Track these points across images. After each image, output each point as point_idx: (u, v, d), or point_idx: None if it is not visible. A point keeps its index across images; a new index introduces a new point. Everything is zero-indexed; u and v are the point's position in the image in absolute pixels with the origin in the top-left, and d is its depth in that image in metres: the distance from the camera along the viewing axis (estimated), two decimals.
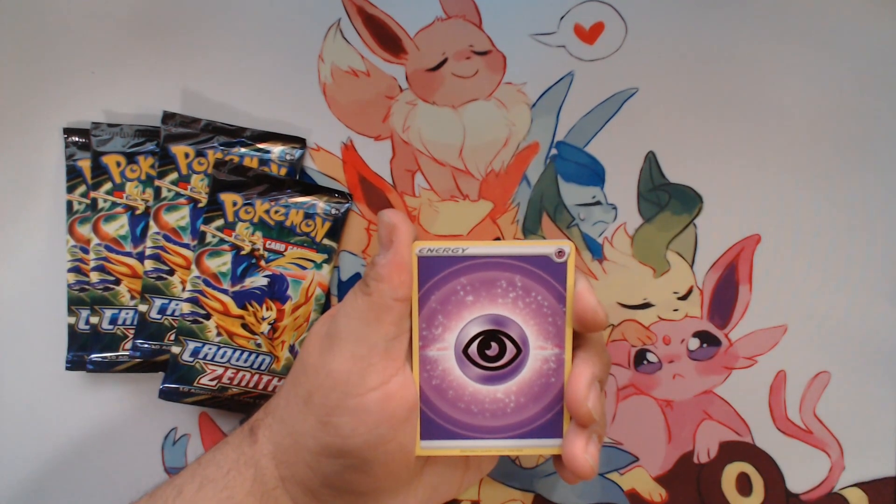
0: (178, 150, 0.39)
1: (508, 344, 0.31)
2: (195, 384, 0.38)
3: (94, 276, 0.39)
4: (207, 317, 0.38)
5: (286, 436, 0.31)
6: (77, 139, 0.40)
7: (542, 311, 0.31)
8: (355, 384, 0.29)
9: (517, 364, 0.31)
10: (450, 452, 0.32)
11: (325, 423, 0.29)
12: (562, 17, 0.39)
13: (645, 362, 0.40)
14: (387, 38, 0.39)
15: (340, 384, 0.29)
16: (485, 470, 0.35)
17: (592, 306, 0.30)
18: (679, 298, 0.39)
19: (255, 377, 0.39)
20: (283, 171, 0.40)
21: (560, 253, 0.30)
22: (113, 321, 0.39)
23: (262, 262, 0.39)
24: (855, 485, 0.39)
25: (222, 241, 0.39)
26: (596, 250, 0.40)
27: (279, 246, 0.39)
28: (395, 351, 0.30)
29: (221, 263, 0.39)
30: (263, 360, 0.39)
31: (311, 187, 0.40)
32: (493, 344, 0.31)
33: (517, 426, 0.31)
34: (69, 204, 0.40)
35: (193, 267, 0.38)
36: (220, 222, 0.39)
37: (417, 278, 0.31)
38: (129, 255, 0.39)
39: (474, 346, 0.31)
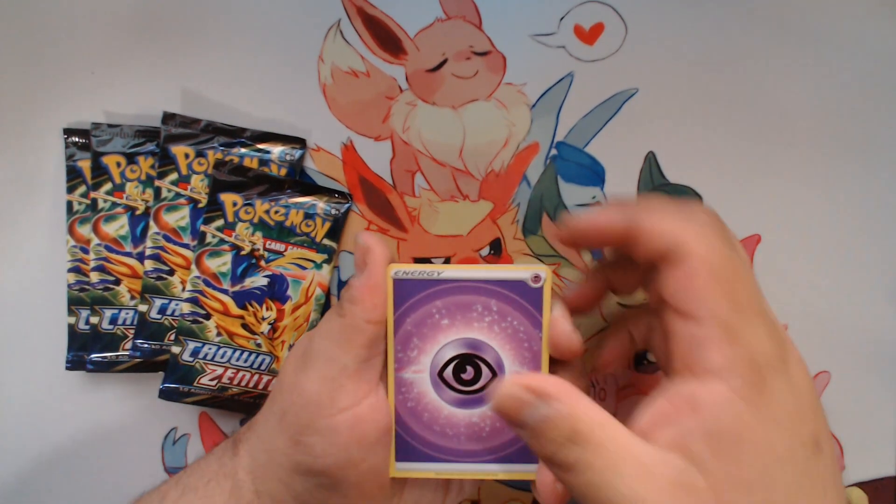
0: (178, 150, 0.39)
1: (484, 368, 0.31)
2: (195, 384, 0.38)
3: (94, 277, 0.39)
4: (207, 317, 0.38)
5: (262, 452, 0.31)
6: (77, 139, 0.40)
7: (518, 336, 0.31)
8: (326, 405, 0.29)
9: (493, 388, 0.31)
10: (425, 475, 0.32)
11: (297, 442, 0.29)
12: (562, 18, 0.39)
13: (645, 362, 0.40)
14: (387, 39, 0.39)
15: (311, 404, 0.29)
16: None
17: (567, 333, 0.30)
18: None
19: (255, 377, 0.39)
20: (283, 172, 0.40)
21: (536, 278, 0.30)
22: (113, 321, 0.39)
23: (262, 263, 0.39)
24: (855, 485, 0.39)
25: (222, 241, 0.39)
26: (596, 251, 0.40)
27: (279, 246, 0.39)
28: (368, 373, 0.30)
29: (221, 263, 0.39)
30: (263, 360, 0.39)
31: (311, 187, 0.40)
32: (469, 368, 0.31)
33: (493, 450, 0.31)
34: (69, 204, 0.40)
35: (193, 267, 0.38)
36: (220, 222, 0.39)
37: (393, 300, 0.30)
38: (129, 255, 0.39)
39: (449, 369, 0.31)
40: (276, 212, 0.39)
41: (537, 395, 0.25)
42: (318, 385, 0.29)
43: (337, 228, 0.40)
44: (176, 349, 0.38)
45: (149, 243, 0.39)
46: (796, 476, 0.23)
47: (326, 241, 0.40)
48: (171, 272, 0.39)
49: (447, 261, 0.40)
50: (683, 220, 0.26)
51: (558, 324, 0.30)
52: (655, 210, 0.27)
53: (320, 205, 0.39)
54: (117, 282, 0.39)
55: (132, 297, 0.39)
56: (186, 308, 0.38)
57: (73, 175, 0.40)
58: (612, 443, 0.23)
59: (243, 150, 0.40)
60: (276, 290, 0.39)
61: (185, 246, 0.39)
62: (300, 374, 0.30)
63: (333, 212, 0.40)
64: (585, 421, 0.23)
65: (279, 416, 0.30)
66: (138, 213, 0.39)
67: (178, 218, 0.39)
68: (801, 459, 0.23)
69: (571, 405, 0.24)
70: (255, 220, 0.39)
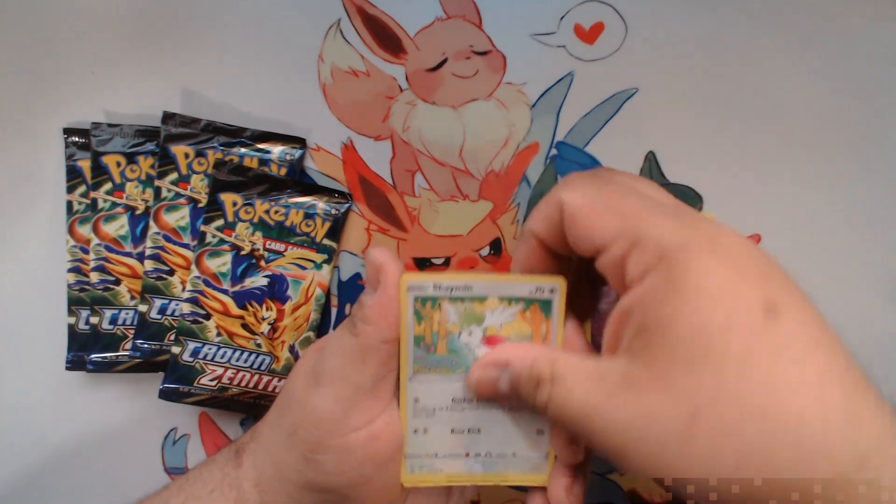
0: (178, 150, 0.39)
1: None
2: (195, 384, 0.38)
3: (94, 277, 0.39)
4: (207, 317, 0.38)
5: (270, 465, 0.31)
6: (77, 139, 0.40)
7: None
8: (339, 423, 0.29)
9: None
10: (435, 482, 0.31)
11: (309, 460, 0.29)
12: (562, 17, 0.39)
13: None
14: (387, 38, 0.39)
15: (324, 423, 0.29)
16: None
17: (581, 350, 0.29)
18: None
19: (255, 377, 0.39)
20: (283, 171, 0.40)
21: None
22: (113, 321, 0.39)
23: (262, 263, 0.39)
24: None
25: (222, 241, 0.39)
26: None
27: (279, 246, 0.39)
28: (382, 389, 0.30)
29: (221, 263, 0.39)
30: (263, 360, 0.39)
31: (311, 187, 0.40)
32: None
33: None
34: (69, 204, 0.40)
35: (193, 267, 0.38)
36: (220, 222, 0.39)
37: None
38: (129, 255, 0.39)
39: None
40: (276, 212, 0.39)
41: (500, 367, 0.28)
42: (332, 404, 0.29)
43: (337, 228, 0.40)
44: (176, 349, 0.38)
45: (149, 243, 0.39)
46: (743, 343, 0.22)
47: (326, 241, 0.40)
48: (171, 272, 0.39)
49: (447, 261, 0.40)
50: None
51: (573, 340, 0.29)
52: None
53: (320, 205, 0.39)
54: (117, 282, 0.39)
55: (132, 297, 0.39)
56: (186, 308, 0.38)
57: (73, 175, 0.40)
58: (567, 370, 0.25)
59: (243, 150, 0.40)
60: (276, 290, 0.39)
61: (185, 246, 0.39)
62: (311, 391, 0.30)
63: (333, 212, 0.40)
64: (542, 365, 0.26)
65: (288, 431, 0.30)
66: (138, 212, 0.39)
67: (178, 218, 0.39)
68: (747, 326, 0.22)
69: (524, 360, 0.27)
70: (255, 220, 0.39)
